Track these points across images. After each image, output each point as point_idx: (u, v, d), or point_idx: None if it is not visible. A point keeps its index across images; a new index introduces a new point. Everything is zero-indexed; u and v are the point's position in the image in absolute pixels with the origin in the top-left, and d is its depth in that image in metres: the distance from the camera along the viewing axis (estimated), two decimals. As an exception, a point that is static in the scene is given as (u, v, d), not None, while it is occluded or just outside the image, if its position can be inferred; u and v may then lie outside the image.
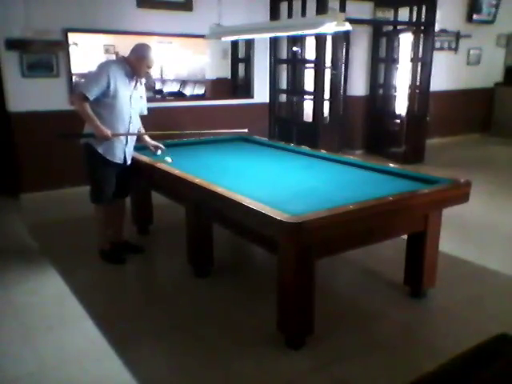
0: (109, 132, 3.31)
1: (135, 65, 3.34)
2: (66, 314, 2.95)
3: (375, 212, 2.51)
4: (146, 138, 3.81)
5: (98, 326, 2.77)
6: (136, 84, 3.46)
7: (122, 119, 3.41)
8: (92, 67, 3.48)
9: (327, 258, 2.68)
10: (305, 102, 6.93)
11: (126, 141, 3.51)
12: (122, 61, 3.40)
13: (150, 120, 5.77)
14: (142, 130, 3.78)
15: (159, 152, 3.78)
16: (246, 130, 4.19)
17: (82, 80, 2.83)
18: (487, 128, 9.32)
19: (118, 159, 3.49)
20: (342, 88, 7.63)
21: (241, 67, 6.90)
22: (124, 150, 3.51)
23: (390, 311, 2.98)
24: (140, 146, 4.13)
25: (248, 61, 6.68)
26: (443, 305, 3.06)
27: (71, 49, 5.38)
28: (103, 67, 3.30)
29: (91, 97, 3.18)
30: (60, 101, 5.30)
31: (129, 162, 3.60)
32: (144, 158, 3.67)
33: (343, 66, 7.54)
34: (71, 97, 3.17)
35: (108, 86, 3.23)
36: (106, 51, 8.88)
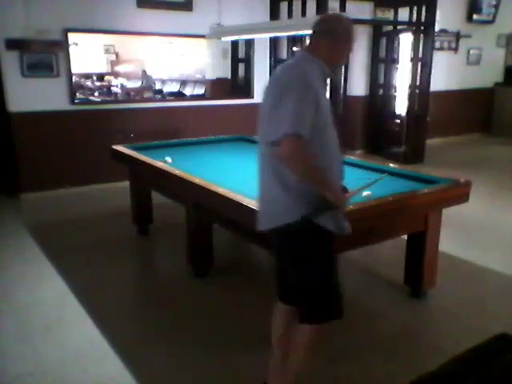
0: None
1: (333, 56, 1.91)
2: (66, 313, 2.94)
3: (375, 212, 2.51)
4: None
5: (98, 326, 2.77)
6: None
7: (337, 157, 1.98)
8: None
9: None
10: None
11: None
12: (315, 57, 1.89)
13: (150, 120, 5.80)
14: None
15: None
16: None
17: (279, 111, 1.73)
18: (487, 128, 9.31)
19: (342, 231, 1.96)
20: (341, 88, 7.62)
21: (241, 67, 6.89)
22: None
23: (390, 311, 2.98)
24: (142, 146, 4.14)
25: (248, 61, 6.68)
26: (443, 305, 3.05)
27: (71, 49, 5.38)
28: (305, 78, 1.79)
29: (307, 135, 1.73)
30: (60, 101, 5.30)
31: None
32: (144, 158, 3.67)
33: (343, 65, 7.52)
34: (281, 147, 1.72)
35: (316, 111, 1.78)
36: (106, 51, 8.87)
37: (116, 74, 8.78)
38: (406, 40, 7.21)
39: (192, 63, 8.39)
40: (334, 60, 1.93)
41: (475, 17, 8.42)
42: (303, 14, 5.97)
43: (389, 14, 7.36)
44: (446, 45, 8.30)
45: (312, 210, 1.82)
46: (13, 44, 4.91)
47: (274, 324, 2.14)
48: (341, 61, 1.99)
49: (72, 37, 5.47)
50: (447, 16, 7.82)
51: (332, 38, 1.87)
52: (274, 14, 6.28)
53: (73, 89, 5.46)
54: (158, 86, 8.58)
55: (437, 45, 7.70)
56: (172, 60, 8.77)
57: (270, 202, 1.91)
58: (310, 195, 1.82)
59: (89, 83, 8.14)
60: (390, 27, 7.47)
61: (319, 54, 1.88)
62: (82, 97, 6.75)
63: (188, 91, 8.28)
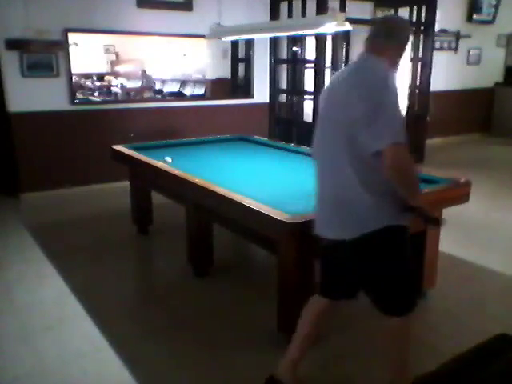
0: None
1: (397, 58, 1.96)
2: (66, 313, 2.94)
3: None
4: None
5: (98, 326, 2.77)
6: None
7: None
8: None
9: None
10: (305, 102, 6.92)
11: None
12: (381, 59, 1.89)
13: (150, 120, 5.80)
14: None
15: None
16: None
17: (380, 119, 1.75)
18: (487, 128, 9.31)
19: None
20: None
21: (241, 67, 6.89)
22: None
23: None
24: (142, 146, 4.15)
25: (248, 61, 6.68)
26: (443, 305, 3.05)
27: (71, 49, 5.38)
28: (392, 82, 1.82)
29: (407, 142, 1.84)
30: (60, 101, 5.30)
31: None
32: (144, 158, 3.67)
33: (343, 66, 7.52)
34: (388, 156, 1.74)
35: None
36: (106, 51, 8.87)
37: (116, 74, 8.78)
38: (405, 40, 7.20)
39: (192, 63, 8.40)
40: (397, 62, 1.96)
41: (475, 17, 8.41)
42: (303, 14, 5.97)
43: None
44: (445, 45, 8.29)
45: (399, 218, 1.88)
46: (13, 44, 4.91)
47: (304, 322, 2.16)
48: (399, 63, 2.00)
49: (72, 37, 5.47)
50: (447, 16, 7.82)
51: (398, 41, 1.92)
52: (274, 14, 6.28)
53: (73, 89, 5.46)
54: (158, 86, 8.59)
55: (437, 45, 7.69)
56: (172, 60, 8.77)
57: (353, 210, 1.87)
58: (392, 199, 1.85)
59: (89, 83, 8.14)
60: (390, 27, 7.46)
61: (386, 56, 1.89)
62: (81, 97, 6.75)
63: (188, 91, 8.28)
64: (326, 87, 2.04)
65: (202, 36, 4.85)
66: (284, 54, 6.71)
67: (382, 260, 1.92)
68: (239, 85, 6.94)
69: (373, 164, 1.79)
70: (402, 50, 1.95)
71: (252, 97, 6.63)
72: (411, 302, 2.01)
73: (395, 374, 2.08)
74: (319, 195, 2.02)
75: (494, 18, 8.63)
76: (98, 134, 5.46)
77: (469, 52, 8.69)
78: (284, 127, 6.78)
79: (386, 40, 1.90)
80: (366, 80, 1.83)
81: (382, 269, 1.93)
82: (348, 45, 7.45)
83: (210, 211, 3.08)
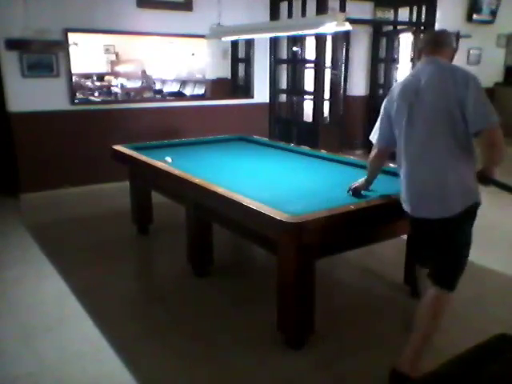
0: None
1: (452, 61, 2.43)
2: (66, 314, 2.95)
3: (375, 212, 2.51)
4: None
5: (98, 326, 2.77)
6: None
7: None
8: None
9: (327, 258, 2.68)
10: (305, 102, 6.92)
11: None
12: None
13: (150, 120, 5.80)
14: None
15: None
16: None
17: (480, 104, 2.04)
18: (487, 128, 9.30)
19: None
20: (341, 88, 7.64)
21: (241, 67, 6.89)
22: None
23: (390, 311, 2.98)
24: (142, 146, 4.15)
25: (248, 61, 6.68)
26: (443, 305, 3.05)
27: (71, 49, 5.38)
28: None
29: None
30: (60, 101, 5.30)
31: None
32: (144, 158, 3.67)
33: (343, 65, 7.54)
34: (492, 135, 2.06)
35: None
36: (106, 51, 8.88)
37: (116, 74, 8.79)
38: (405, 40, 7.21)
39: (192, 63, 8.40)
40: (451, 62, 2.40)
41: (475, 17, 8.42)
42: (303, 14, 5.96)
43: (389, 14, 7.36)
44: (446, 45, 8.29)
45: (478, 195, 2.26)
46: (13, 44, 4.91)
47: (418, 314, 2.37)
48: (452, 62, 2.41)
49: (72, 37, 5.47)
50: (447, 16, 7.81)
51: (453, 48, 2.42)
52: (274, 14, 6.28)
53: (73, 89, 5.46)
54: (158, 86, 8.59)
55: (437, 45, 7.69)
56: (174, 60, 8.78)
57: (454, 190, 2.16)
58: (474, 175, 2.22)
59: (89, 83, 8.15)
60: (390, 27, 7.47)
61: (445, 57, 2.34)
62: (82, 97, 6.76)
63: (188, 91, 8.28)
64: (400, 89, 2.30)
65: (202, 36, 4.85)
66: (284, 54, 6.71)
67: (462, 232, 2.23)
68: (239, 85, 6.95)
69: (466, 142, 2.12)
70: (455, 52, 2.44)
71: (252, 97, 6.63)
72: (459, 278, 2.35)
73: (418, 342, 2.31)
74: (415, 180, 2.24)
75: (494, 17, 8.63)
76: (98, 134, 5.46)
77: (469, 52, 8.69)
78: (284, 127, 6.79)
79: (448, 48, 2.38)
80: (456, 70, 2.19)
81: (459, 241, 2.24)
82: (348, 45, 7.47)
83: (210, 211, 3.08)
